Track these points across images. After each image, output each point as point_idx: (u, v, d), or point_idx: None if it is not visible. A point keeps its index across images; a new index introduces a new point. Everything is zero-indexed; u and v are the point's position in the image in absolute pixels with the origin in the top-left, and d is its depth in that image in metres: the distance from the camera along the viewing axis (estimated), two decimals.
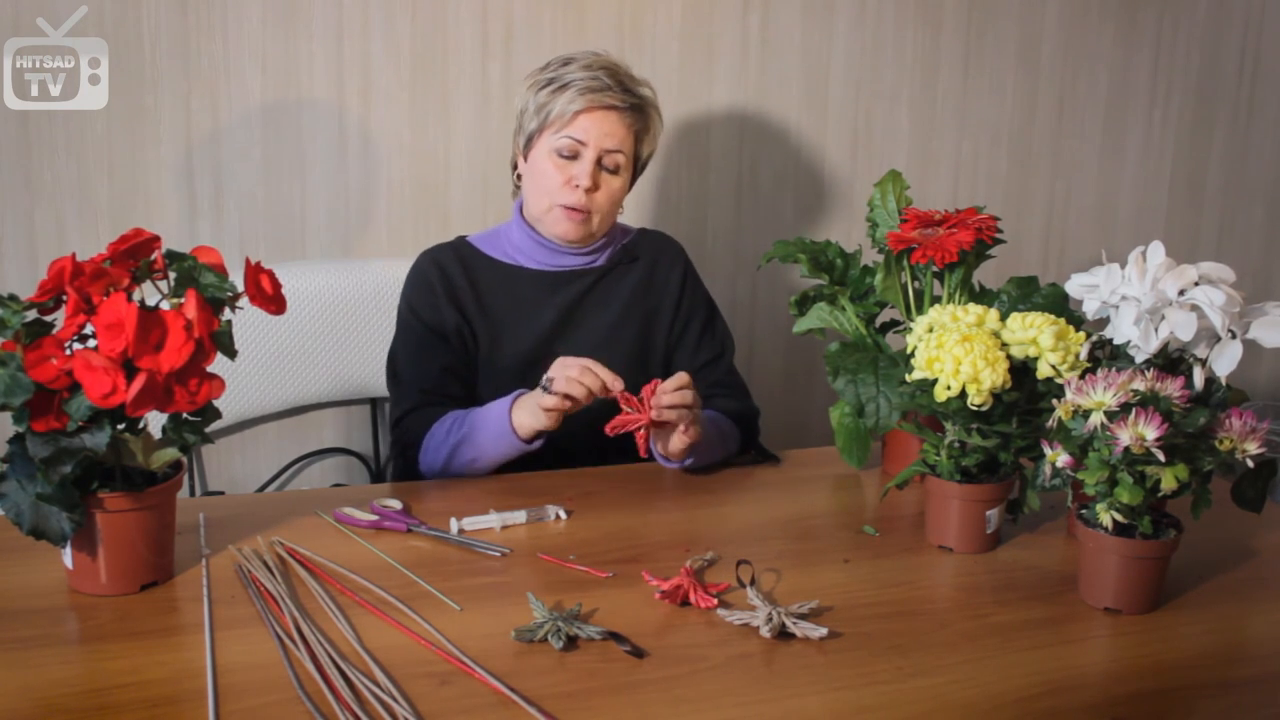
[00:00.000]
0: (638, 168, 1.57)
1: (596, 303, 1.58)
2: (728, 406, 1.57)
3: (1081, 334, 1.15)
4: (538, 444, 1.38)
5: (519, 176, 1.57)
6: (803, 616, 1.00)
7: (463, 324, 1.53)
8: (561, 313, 1.55)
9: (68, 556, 1.04)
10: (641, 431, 1.29)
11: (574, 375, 1.31)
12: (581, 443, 1.45)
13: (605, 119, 1.47)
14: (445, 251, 1.59)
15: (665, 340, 1.62)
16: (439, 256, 1.58)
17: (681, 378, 1.36)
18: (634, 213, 1.96)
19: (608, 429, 1.29)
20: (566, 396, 1.31)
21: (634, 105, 1.50)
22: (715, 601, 1.04)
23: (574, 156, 1.48)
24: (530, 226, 1.56)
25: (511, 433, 1.36)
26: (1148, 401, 0.99)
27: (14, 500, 0.99)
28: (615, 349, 1.51)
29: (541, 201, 1.51)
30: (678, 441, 1.35)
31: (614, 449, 1.45)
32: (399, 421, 1.50)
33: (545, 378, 1.33)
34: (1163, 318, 1.09)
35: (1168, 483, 0.99)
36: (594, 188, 1.48)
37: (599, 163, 1.48)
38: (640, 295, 1.60)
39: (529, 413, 1.35)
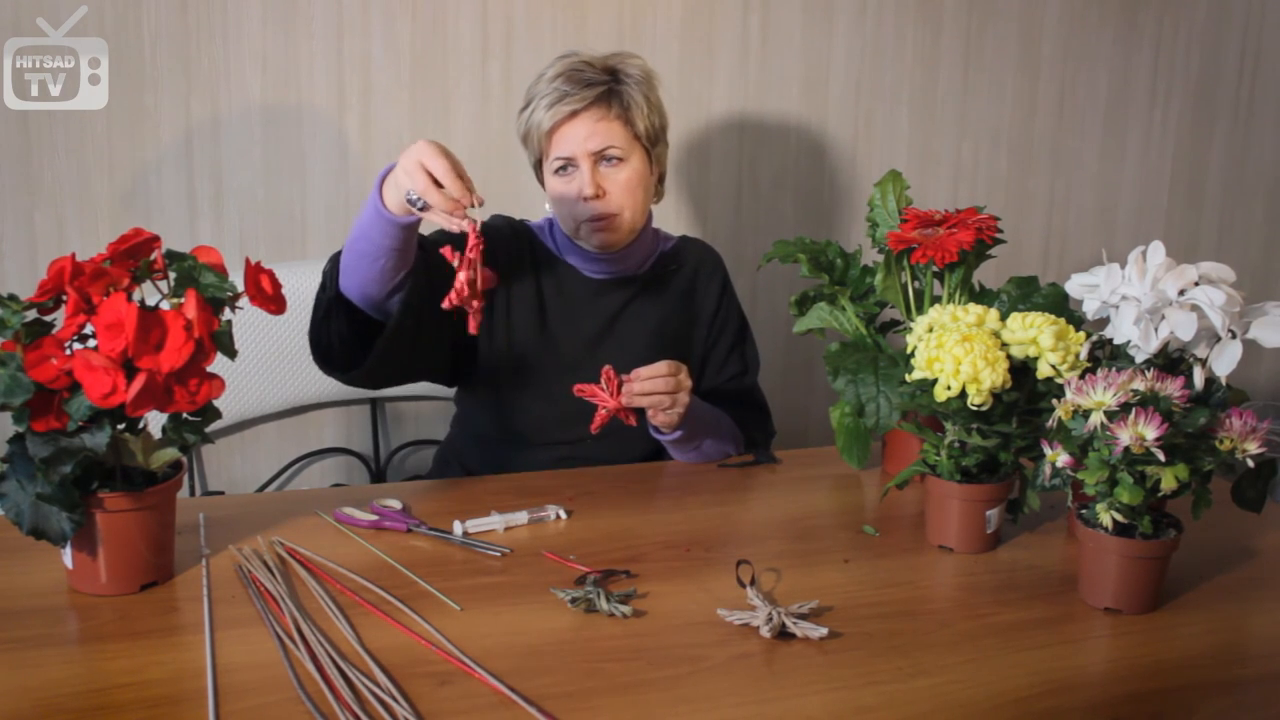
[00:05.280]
0: (647, 143, 1.50)
1: (639, 311, 1.56)
2: (743, 421, 1.58)
3: (1081, 334, 1.15)
4: (411, 219, 1.25)
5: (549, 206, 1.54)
6: (803, 616, 1.00)
7: (506, 293, 1.49)
8: (606, 319, 1.53)
9: (68, 556, 1.04)
10: (619, 414, 1.38)
11: (423, 167, 1.17)
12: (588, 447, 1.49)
13: (578, 125, 1.44)
14: (520, 227, 1.55)
15: (699, 351, 1.61)
16: (517, 227, 1.55)
17: (659, 367, 1.39)
18: None
19: (592, 428, 1.38)
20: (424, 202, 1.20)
21: (601, 95, 1.44)
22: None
23: (571, 170, 1.46)
24: (571, 238, 1.53)
25: (379, 203, 1.24)
26: (1148, 401, 0.99)
27: (14, 500, 0.99)
28: (655, 357, 1.45)
29: (569, 224, 1.49)
30: (656, 418, 1.42)
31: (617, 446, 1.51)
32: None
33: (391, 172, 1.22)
34: (1163, 318, 1.09)
35: (1168, 483, 0.99)
36: (601, 191, 1.45)
37: (598, 164, 1.45)
38: (681, 305, 1.59)
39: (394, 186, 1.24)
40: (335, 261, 1.34)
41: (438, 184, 1.19)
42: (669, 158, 1.61)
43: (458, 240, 1.29)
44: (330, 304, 1.34)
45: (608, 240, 1.48)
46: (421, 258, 1.33)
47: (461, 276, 1.23)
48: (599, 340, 1.53)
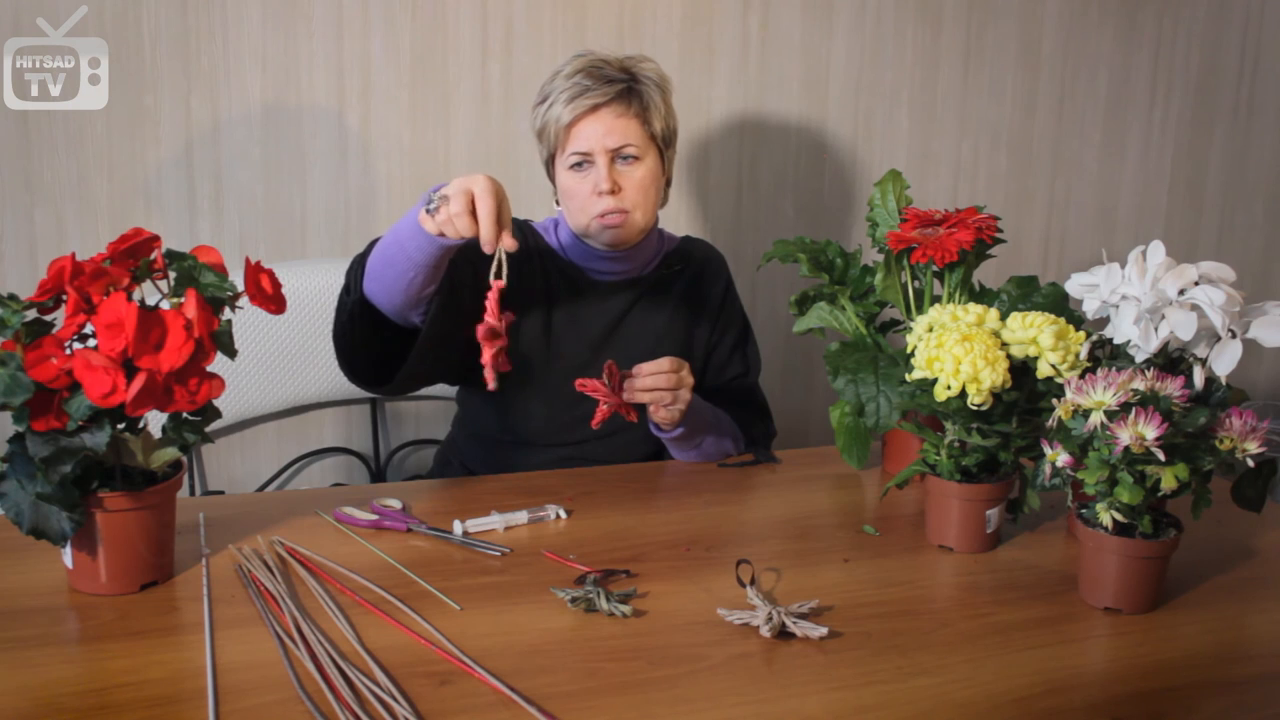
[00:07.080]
0: (661, 145, 1.50)
1: (644, 313, 1.56)
2: (743, 421, 1.58)
3: (1081, 333, 1.15)
4: (453, 241, 1.22)
5: (558, 202, 1.54)
6: (803, 616, 1.00)
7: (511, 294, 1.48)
8: (611, 321, 1.53)
9: (68, 556, 1.04)
10: (620, 409, 1.38)
11: (458, 209, 1.16)
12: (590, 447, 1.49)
13: (597, 120, 1.43)
14: (526, 227, 1.55)
15: (702, 352, 1.61)
16: (523, 226, 1.54)
17: (661, 363, 1.39)
18: None
19: (593, 423, 1.37)
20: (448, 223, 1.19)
21: (622, 92, 1.44)
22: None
23: (587, 166, 1.45)
24: (579, 238, 1.53)
25: (416, 225, 1.22)
26: (1148, 401, 0.99)
27: (14, 500, 0.98)
28: (659, 357, 1.44)
29: (580, 220, 1.48)
30: (657, 414, 1.42)
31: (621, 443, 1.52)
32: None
33: (438, 194, 1.19)
34: (1163, 317, 1.09)
35: (1168, 482, 0.99)
36: (616, 188, 1.44)
37: (614, 161, 1.45)
38: (685, 305, 1.59)
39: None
40: (359, 265, 1.33)
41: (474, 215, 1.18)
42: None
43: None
44: (354, 307, 1.33)
45: (618, 237, 1.48)
46: (448, 276, 1.31)
47: (488, 354, 1.20)
48: (604, 343, 1.53)
